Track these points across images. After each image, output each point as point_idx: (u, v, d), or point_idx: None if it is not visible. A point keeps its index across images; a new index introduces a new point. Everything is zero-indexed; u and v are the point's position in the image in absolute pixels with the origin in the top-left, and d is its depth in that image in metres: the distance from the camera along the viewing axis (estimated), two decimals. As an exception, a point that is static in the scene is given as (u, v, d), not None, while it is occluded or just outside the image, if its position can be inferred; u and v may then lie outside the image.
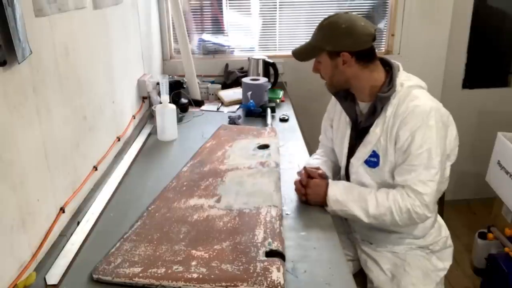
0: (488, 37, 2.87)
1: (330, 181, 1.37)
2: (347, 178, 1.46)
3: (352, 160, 1.40)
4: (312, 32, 1.37)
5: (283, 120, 2.11)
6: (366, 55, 1.32)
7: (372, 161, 1.35)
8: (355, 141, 1.42)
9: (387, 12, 2.75)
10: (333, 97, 1.54)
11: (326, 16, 1.35)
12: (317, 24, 1.36)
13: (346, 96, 1.43)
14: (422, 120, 1.25)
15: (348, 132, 1.44)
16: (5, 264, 0.95)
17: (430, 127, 1.25)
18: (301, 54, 1.39)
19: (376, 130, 1.33)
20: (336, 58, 1.32)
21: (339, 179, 1.50)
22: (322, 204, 1.35)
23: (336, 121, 1.53)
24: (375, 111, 1.32)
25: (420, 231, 1.43)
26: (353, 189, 1.34)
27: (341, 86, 1.39)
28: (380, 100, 1.30)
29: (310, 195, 1.36)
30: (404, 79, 1.33)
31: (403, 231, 1.42)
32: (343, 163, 1.46)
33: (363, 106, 1.39)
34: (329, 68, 1.35)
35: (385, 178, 1.34)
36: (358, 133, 1.40)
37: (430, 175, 1.25)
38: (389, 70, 1.36)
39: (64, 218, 1.24)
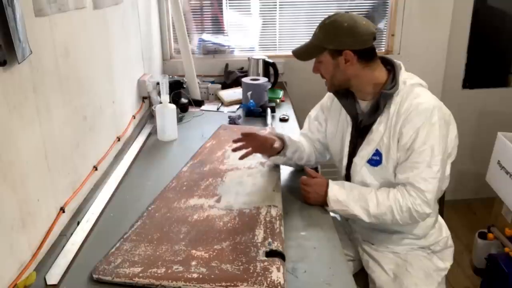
0: (488, 37, 2.87)
1: (330, 180, 1.36)
2: (347, 177, 1.45)
3: (355, 159, 1.40)
4: (313, 32, 1.36)
5: (283, 120, 2.11)
6: (367, 54, 1.32)
7: (375, 160, 1.35)
8: (356, 140, 1.41)
9: (387, 12, 2.75)
10: (327, 94, 1.54)
11: (326, 16, 1.35)
12: (318, 24, 1.35)
13: (346, 95, 1.42)
14: (426, 118, 1.25)
15: (349, 130, 1.43)
16: (5, 264, 0.95)
17: (433, 125, 1.25)
18: (302, 53, 1.38)
19: (379, 128, 1.33)
20: (337, 57, 1.31)
21: (337, 179, 1.49)
22: (322, 203, 1.35)
23: (332, 120, 1.51)
24: (377, 109, 1.32)
25: (421, 230, 1.43)
26: (353, 189, 1.34)
27: (341, 85, 1.38)
28: (383, 97, 1.30)
29: (311, 193, 1.36)
30: (406, 77, 1.33)
31: (404, 230, 1.42)
32: (344, 163, 1.45)
33: (364, 105, 1.39)
34: (331, 68, 1.34)
35: (387, 177, 1.34)
36: (359, 132, 1.40)
37: (432, 173, 1.25)
38: (391, 69, 1.36)
39: (64, 218, 1.24)
